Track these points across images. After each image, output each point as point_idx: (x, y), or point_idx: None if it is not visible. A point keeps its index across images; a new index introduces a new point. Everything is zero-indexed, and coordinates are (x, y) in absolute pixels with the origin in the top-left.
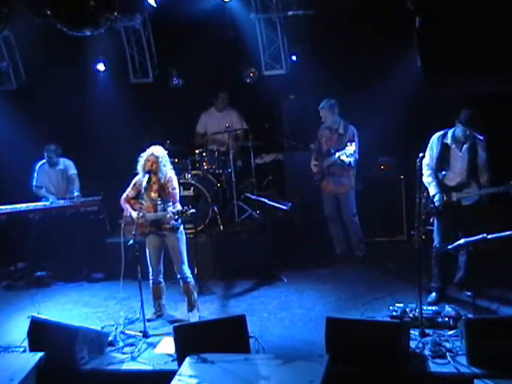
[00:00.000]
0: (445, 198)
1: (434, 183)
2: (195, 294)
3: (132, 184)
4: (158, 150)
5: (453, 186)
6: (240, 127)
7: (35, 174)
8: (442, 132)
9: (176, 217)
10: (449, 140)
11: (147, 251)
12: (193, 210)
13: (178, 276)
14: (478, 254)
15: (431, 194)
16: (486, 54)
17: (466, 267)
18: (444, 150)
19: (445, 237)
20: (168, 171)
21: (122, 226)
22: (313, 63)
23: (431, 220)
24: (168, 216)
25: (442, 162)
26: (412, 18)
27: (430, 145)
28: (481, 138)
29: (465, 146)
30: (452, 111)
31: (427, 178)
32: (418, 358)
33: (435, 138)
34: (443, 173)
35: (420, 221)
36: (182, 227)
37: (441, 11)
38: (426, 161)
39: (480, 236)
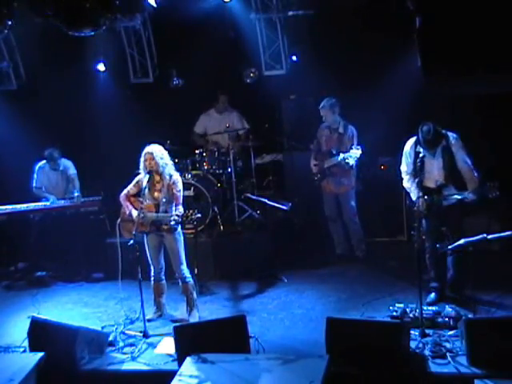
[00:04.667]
0: (427, 199)
1: (414, 188)
2: (194, 294)
3: (134, 181)
4: (151, 147)
5: (433, 188)
6: (241, 127)
7: (35, 175)
8: (413, 140)
9: (180, 220)
10: (421, 148)
11: (147, 249)
12: (199, 215)
13: (177, 276)
14: (476, 254)
15: (413, 199)
16: (486, 54)
17: (455, 267)
18: (418, 157)
19: (434, 237)
20: (172, 171)
21: (118, 222)
22: (313, 63)
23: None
24: (172, 219)
25: (419, 168)
26: (412, 17)
27: (404, 153)
28: (454, 135)
29: (437, 151)
30: (452, 111)
31: (407, 184)
32: (419, 358)
33: (408, 146)
34: (420, 177)
35: (420, 221)
36: (179, 228)
37: (440, 11)
38: (403, 167)
39: (480, 236)
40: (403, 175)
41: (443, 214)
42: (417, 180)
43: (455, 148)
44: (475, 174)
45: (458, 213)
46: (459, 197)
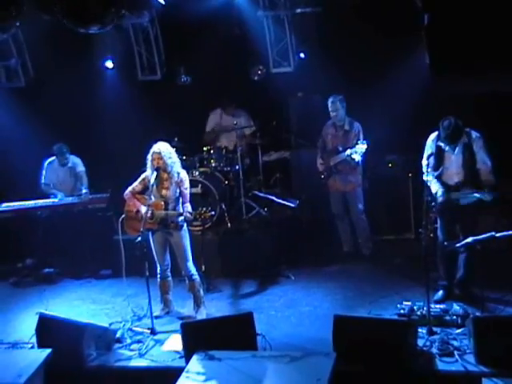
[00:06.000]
0: (444, 196)
1: (435, 181)
2: (201, 291)
3: (140, 179)
4: (159, 146)
5: (451, 185)
6: (248, 125)
7: (44, 172)
8: (435, 133)
9: (192, 218)
10: (442, 142)
11: (153, 247)
12: (213, 213)
13: (183, 273)
14: (485, 252)
15: (433, 192)
16: (496, 51)
17: (466, 266)
18: (439, 151)
19: (448, 234)
20: (179, 169)
21: (121, 219)
22: (320, 61)
23: (433, 218)
24: (184, 216)
25: (438, 163)
26: (420, 15)
27: (426, 146)
28: (477, 134)
29: (458, 147)
30: (459, 108)
31: (427, 177)
32: (426, 357)
33: (430, 139)
34: (439, 172)
35: (427, 219)
36: (185, 225)
37: (449, 8)
38: (424, 161)
39: (488, 234)
40: (424, 168)
41: (459, 212)
42: (436, 173)
43: (476, 147)
44: (492, 177)
45: (474, 212)
46: (477, 196)
